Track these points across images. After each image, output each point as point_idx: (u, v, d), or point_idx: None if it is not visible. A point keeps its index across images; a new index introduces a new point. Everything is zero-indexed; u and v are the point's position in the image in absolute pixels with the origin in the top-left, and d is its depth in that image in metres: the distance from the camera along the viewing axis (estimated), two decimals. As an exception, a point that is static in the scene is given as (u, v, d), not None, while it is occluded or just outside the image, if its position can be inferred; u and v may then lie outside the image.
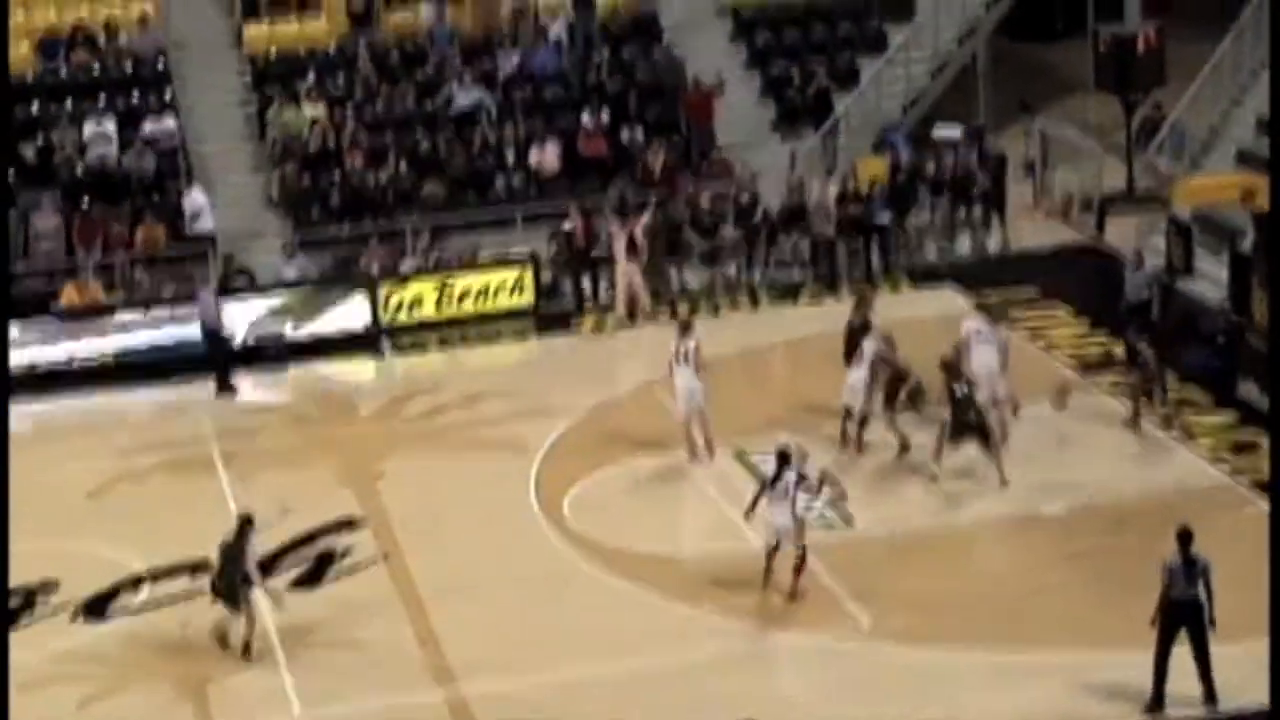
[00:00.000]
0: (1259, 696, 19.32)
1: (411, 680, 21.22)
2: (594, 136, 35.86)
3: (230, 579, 21.59)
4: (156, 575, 23.87)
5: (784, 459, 22.36)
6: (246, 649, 21.58)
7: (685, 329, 26.42)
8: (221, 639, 21.76)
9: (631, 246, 31.41)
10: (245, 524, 21.83)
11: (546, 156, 35.61)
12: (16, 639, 22.42)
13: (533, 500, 25.56)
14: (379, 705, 20.74)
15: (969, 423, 24.65)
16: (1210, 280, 31.62)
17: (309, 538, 24.72)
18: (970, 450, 24.88)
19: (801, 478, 22.33)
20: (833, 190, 33.75)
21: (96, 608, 23.26)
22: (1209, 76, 34.68)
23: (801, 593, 22.12)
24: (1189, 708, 19.75)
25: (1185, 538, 19.74)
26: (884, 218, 33.48)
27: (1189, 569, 19.60)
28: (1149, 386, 26.58)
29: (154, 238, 33.43)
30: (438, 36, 37.61)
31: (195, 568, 24.01)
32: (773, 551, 22.23)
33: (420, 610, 22.78)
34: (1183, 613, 19.62)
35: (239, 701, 21.04)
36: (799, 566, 22.11)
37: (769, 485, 22.29)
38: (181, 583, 23.72)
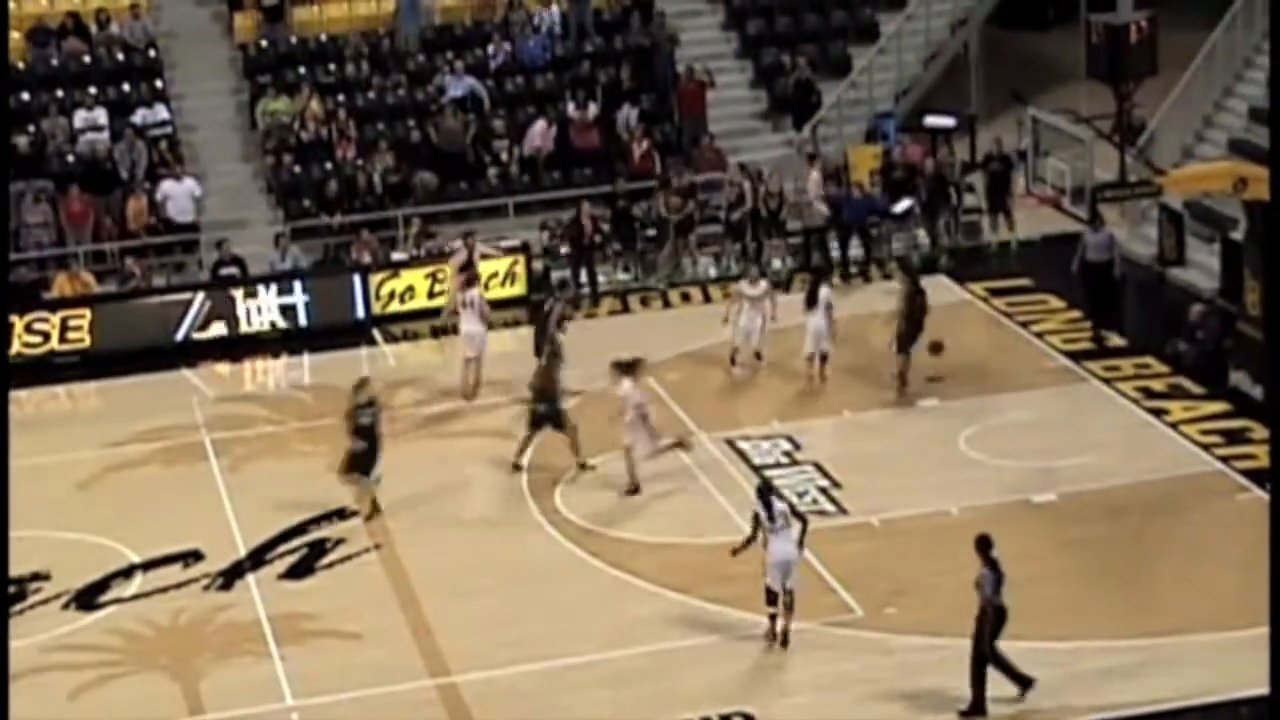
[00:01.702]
0: (1254, 683, 19.28)
1: (403, 669, 21.20)
2: (585, 126, 35.83)
3: None
4: (148, 565, 23.86)
5: (768, 491, 21.51)
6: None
7: (469, 282, 29.24)
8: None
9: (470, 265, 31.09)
10: None
11: (539, 136, 35.57)
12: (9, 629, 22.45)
13: (525, 489, 25.54)
14: (370, 694, 20.73)
15: None
16: (1202, 269, 31.69)
17: (301, 527, 24.71)
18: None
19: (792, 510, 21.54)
20: (815, 176, 33.78)
21: (88, 598, 23.23)
22: (1201, 66, 34.69)
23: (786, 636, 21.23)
24: (1177, 701, 19.78)
25: (984, 545, 19.46)
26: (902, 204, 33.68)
27: (996, 575, 19.35)
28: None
29: (141, 209, 33.60)
30: (404, 18, 37.51)
31: (187, 557, 24.05)
32: (776, 595, 21.06)
33: (412, 599, 22.77)
34: (999, 618, 19.43)
35: (231, 691, 21.02)
36: (790, 604, 21.10)
37: (768, 521, 21.05)
38: (174, 572, 23.72)
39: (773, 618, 21.09)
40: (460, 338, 28.96)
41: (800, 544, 21.14)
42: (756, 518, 21.20)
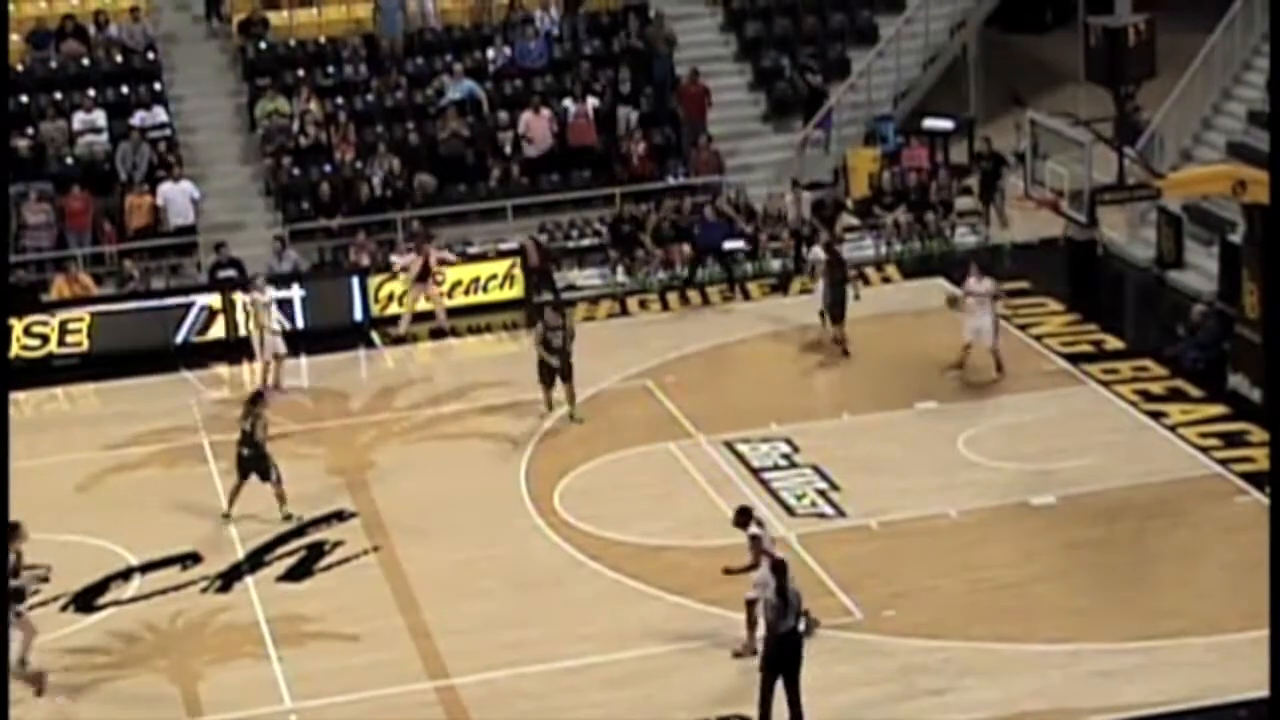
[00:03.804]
0: (1253, 686, 19.28)
1: (402, 671, 21.19)
2: (583, 126, 35.83)
3: None
4: (147, 567, 23.86)
5: (751, 513, 21.06)
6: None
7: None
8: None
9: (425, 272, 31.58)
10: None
11: (536, 126, 35.58)
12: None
13: (523, 491, 25.54)
14: (369, 696, 20.72)
15: None
16: (1200, 272, 31.70)
17: (299, 530, 24.71)
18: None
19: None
20: (807, 197, 33.92)
21: (87, 600, 23.22)
22: (1199, 68, 34.71)
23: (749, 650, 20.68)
24: (1176, 703, 19.79)
25: (780, 568, 19.29)
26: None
27: (785, 602, 19.14)
28: None
29: (142, 205, 33.68)
30: (386, 21, 37.49)
31: (186, 559, 24.06)
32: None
33: (410, 602, 22.77)
34: (787, 646, 19.21)
35: (229, 693, 21.01)
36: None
37: (770, 542, 20.79)
38: (172, 574, 23.72)
39: (751, 625, 20.73)
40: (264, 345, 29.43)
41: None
42: (756, 541, 20.68)
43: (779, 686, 19.25)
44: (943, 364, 28.30)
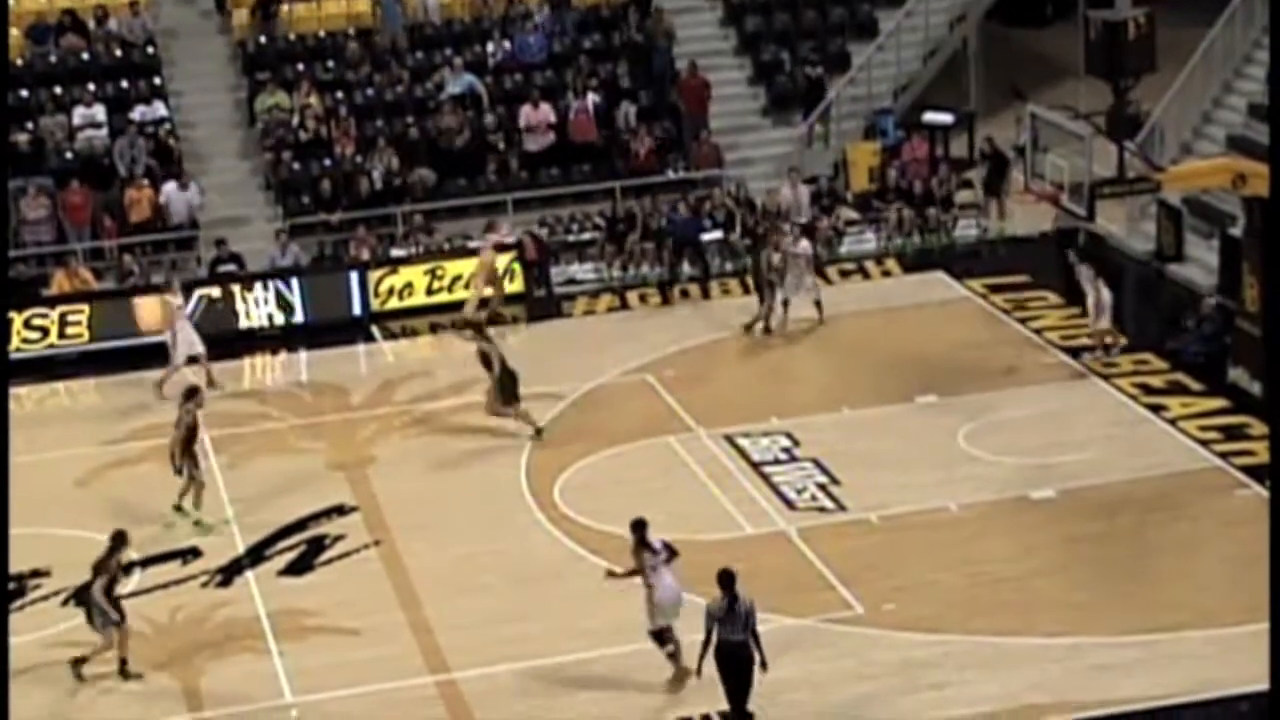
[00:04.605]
0: (1253, 679, 19.28)
1: (403, 666, 21.20)
2: (584, 122, 35.82)
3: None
4: (147, 562, 23.86)
5: (644, 526, 20.34)
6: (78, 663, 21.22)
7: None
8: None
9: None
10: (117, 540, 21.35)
11: (538, 118, 35.58)
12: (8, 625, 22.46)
13: (523, 486, 25.55)
14: (370, 691, 20.73)
15: None
16: (1201, 265, 31.70)
17: (299, 524, 24.72)
18: None
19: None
20: (805, 190, 33.92)
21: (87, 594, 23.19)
22: (1200, 62, 34.69)
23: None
24: (1177, 697, 19.80)
25: (727, 580, 19.10)
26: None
27: (734, 611, 19.02)
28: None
29: (142, 200, 33.66)
30: (386, 15, 37.48)
31: (186, 554, 24.06)
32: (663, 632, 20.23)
33: (411, 596, 22.78)
34: (733, 655, 19.07)
35: (230, 687, 21.03)
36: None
37: (651, 554, 20.06)
38: (172, 569, 23.73)
39: (673, 655, 20.12)
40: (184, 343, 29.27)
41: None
42: (639, 549, 20.12)
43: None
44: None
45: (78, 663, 21.17)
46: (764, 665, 19.14)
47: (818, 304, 30.19)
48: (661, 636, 20.21)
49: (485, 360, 26.98)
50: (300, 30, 37.68)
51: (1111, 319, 28.63)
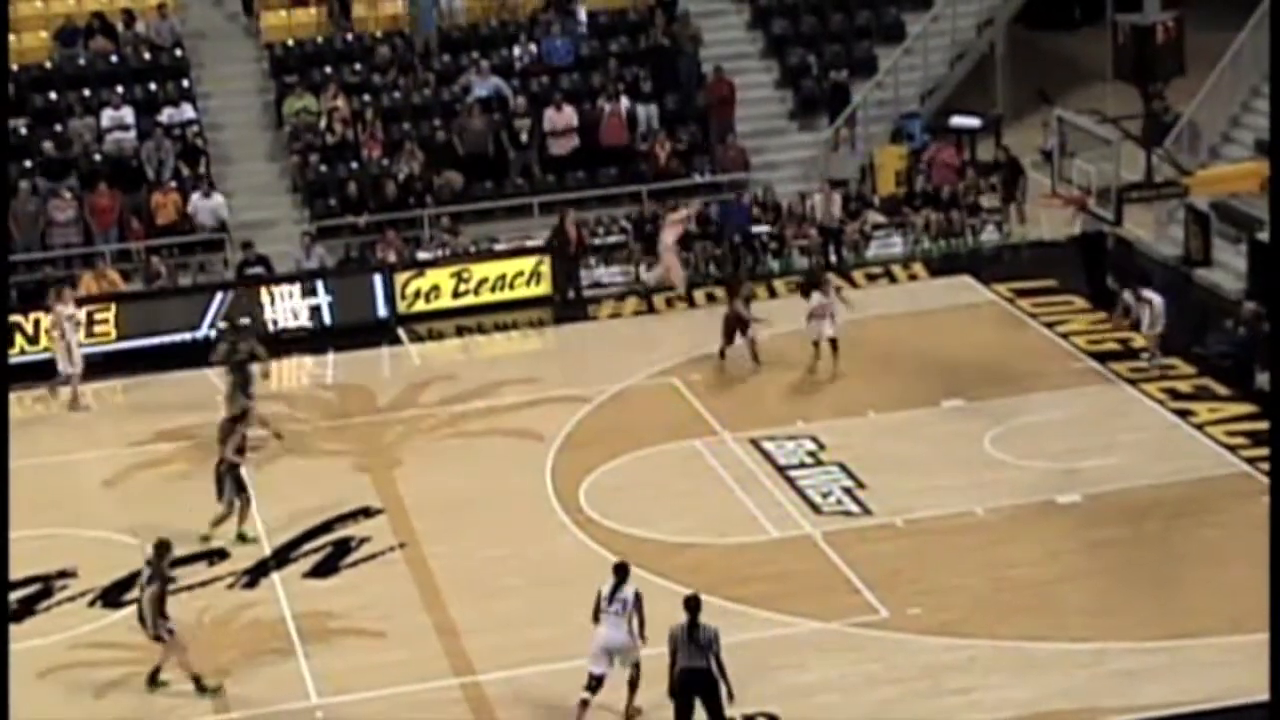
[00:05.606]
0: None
1: (428, 668, 21.23)
2: (616, 126, 35.82)
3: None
4: (174, 563, 23.86)
5: (624, 572, 20.08)
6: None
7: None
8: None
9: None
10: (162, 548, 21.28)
11: (563, 121, 35.61)
12: (35, 626, 22.56)
13: (549, 489, 25.57)
14: (395, 693, 20.76)
15: None
16: (1228, 270, 31.61)
17: (325, 526, 24.76)
18: None
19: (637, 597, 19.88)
20: (837, 199, 33.93)
21: (114, 595, 23.27)
22: (1228, 66, 34.61)
23: (636, 712, 19.96)
24: (1203, 703, 19.75)
25: (692, 605, 19.03)
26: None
27: (693, 638, 18.91)
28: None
29: (168, 202, 33.80)
30: (422, 20, 37.53)
31: (212, 555, 24.11)
32: (600, 679, 19.78)
33: (436, 598, 22.80)
34: (693, 681, 18.93)
35: (256, 689, 21.06)
36: (635, 681, 19.90)
37: (605, 602, 19.81)
38: (199, 570, 23.78)
39: (584, 704, 19.72)
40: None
41: (641, 635, 19.77)
42: (599, 596, 19.83)
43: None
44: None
45: (153, 677, 21.11)
46: (730, 695, 18.97)
47: (816, 344, 28.92)
48: (590, 679, 19.72)
49: (741, 322, 28.84)
50: (327, 34, 37.72)
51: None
